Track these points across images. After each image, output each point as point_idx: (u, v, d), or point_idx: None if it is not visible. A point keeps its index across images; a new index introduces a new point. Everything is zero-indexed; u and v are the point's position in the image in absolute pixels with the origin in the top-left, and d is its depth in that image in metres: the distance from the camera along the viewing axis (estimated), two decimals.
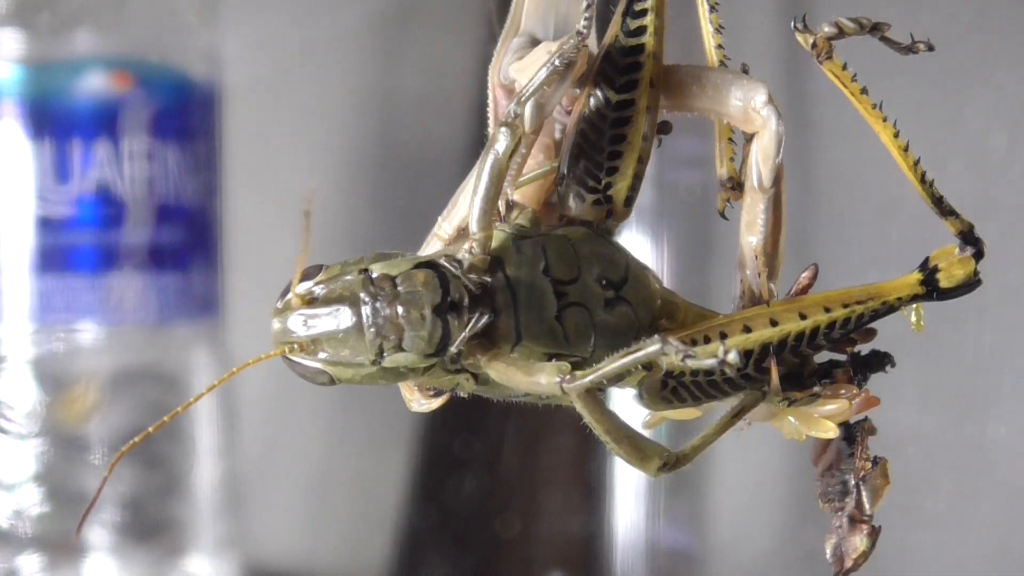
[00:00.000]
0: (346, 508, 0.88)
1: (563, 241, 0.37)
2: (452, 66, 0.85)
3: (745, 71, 0.40)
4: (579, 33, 0.36)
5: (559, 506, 0.84)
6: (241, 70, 0.79)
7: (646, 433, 0.37)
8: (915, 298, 0.38)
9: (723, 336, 0.37)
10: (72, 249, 0.70)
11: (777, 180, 0.39)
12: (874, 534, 0.38)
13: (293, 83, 0.85)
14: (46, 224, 0.70)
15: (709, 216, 0.43)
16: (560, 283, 0.36)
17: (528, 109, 0.35)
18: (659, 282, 0.39)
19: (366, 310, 0.34)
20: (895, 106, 0.38)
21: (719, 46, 0.42)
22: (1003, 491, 0.72)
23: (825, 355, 0.39)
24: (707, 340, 0.37)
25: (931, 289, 0.38)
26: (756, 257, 0.39)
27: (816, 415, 0.37)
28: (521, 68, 0.39)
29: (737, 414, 0.37)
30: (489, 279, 0.35)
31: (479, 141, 0.38)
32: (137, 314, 0.71)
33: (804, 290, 0.39)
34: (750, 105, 0.38)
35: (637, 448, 0.36)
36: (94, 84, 0.70)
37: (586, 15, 0.36)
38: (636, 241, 0.76)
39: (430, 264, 0.34)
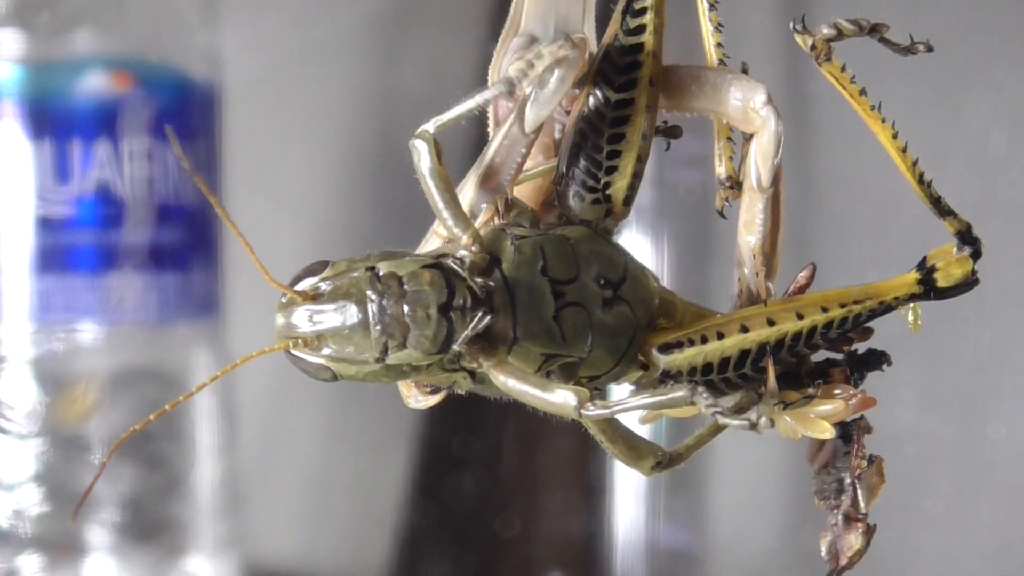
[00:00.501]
0: (346, 508, 0.88)
1: (562, 240, 0.37)
2: (452, 66, 0.85)
3: (744, 70, 0.40)
4: (509, 82, 0.36)
5: (559, 506, 0.84)
6: (241, 70, 0.79)
7: (643, 430, 0.37)
8: (912, 297, 0.38)
9: (720, 336, 0.37)
10: (72, 249, 0.70)
11: (776, 180, 0.39)
12: (869, 532, 0.38)
13: (293, 83, 0.85)
14: (46, 224, 0.70)
15: (708, 216, 0.43)
16: (558, 283, 0.36)
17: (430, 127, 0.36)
18: (657, 281, 0.39)
19: (372, 308, 0.34)
20: (894, 106, 0.38)
21: (718, 45, 0.42)
22: (1003, 491, 0.72)
23: (822, 354, 0.39)
24: (704, 340, 0.37)
25: (928, 289, 0.38)
26: (754, 256, 0.39)
27: (812, 415, 0.37)
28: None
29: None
30: (488, 277, 0.35)
31: (479, 141, 0.38)
32: (137, 314, 0.71)
33: (802, 290, 0.39)
34: (749, 105, 0.38)
35: (631, 447, 0.36)
36: (94, 84, 0.70)
37: (523, 68, 0.37)
38: (635, 240, 0.76)
39: (436, 265, 0.34)
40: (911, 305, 0.39)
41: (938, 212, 0.38)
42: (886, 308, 0.38)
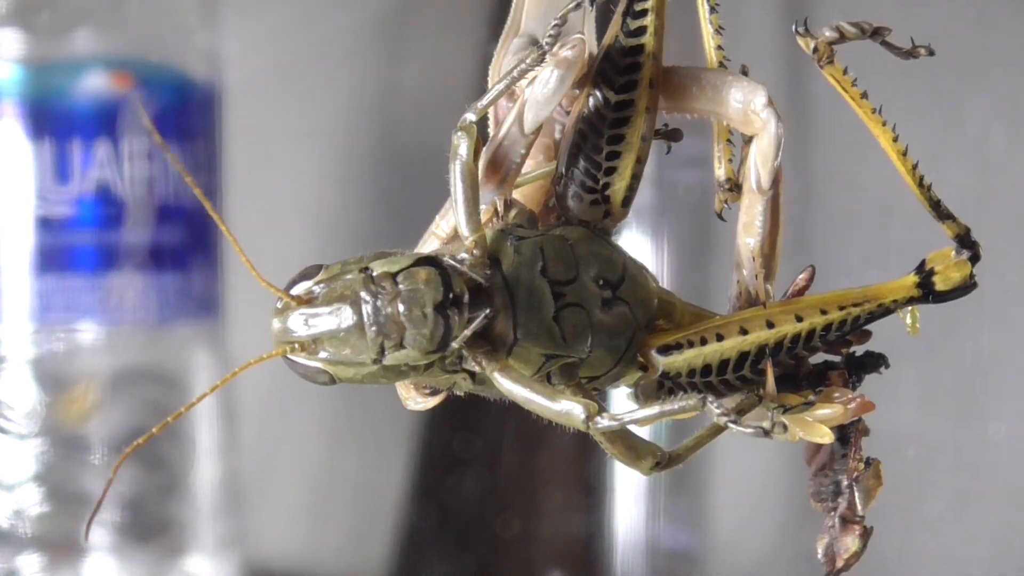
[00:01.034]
0: (346, 508, 0.88)
1: (561, 241, 0.37)
2: (452, 66, 0.85)
3: (745, 72, 0.40)
4: (541, 48, 0.36)
5: (559, 506, 0.84)
6: (241, 70, 0.79)
7: (642, 431, 0.37)
8: (911, 301, 0.38)
9: (719, 337, 0.37)
10: (72, 249, 0.70)
11: (775, 182, 0.39)
12: (866, 535, 0.38)
13: (293, 83, 0.85)
14: (46, 224, 0.70)
15: (708, 217, 0.42)
16: (558, 283, 0.36)
17: (471, 116, 0.36)
18: (656, 282, 0.39)
19: (367, 308, 0.34)
20: (894, 106, 0.38)
21: (719, 47, 0.41)
22: (1003, 492, 0.72)
23: (820, 356, 0.39)
24: (703, 341, 0.37)
25: (927, 292, 0.38)
26: (753, 258, 0.39)
27: (811, 419, 0.37)
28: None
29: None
30: (487, 276, 0.35)
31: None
32: (137, 314, 0.71)
33: (801, 292, 0.39)
34: (750, 107, 0.38)
35: (631, 447, 0.36)
36: (94, 84, 0.70)
37: (551, 32, 0.36)
38: (635, 241, 0.76)
39: (431, 261, 0.34)
40: (909, 308, 0.39)
41: (937, 216, 0.38)
42: (885, 311, 0.38)
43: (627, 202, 0.38)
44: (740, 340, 0.37)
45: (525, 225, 0.37)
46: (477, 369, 0.35)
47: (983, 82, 0.70)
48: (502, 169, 0.38)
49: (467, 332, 0.34)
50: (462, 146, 0.35)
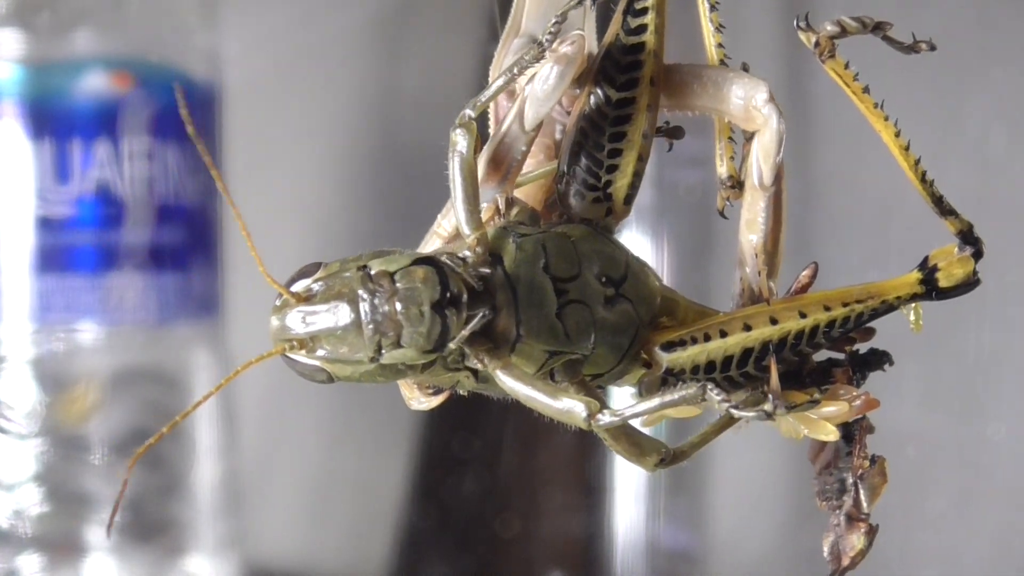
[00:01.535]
0: (346, 508, 0.88)
1: (563, 238, 0.37)
2: (452, 66, 0.85)
3: (746, 69, 0.40)
4: (540, 45, 0.36)
5: (559, 506, 0.84)
6: (241, 70, 0.79)
7: (646, 430, 0.37)
8: (914, 297, 0.38)
9: (723, 334, 0.37)
10: (72, 249, 0.70)
11: (778, 178, 0.39)
12: (871, 533, 0.38)
13: (293, 83, 0.85)
14: (46, 224, 0.70)
15: (709, 215, 0.43)
16: (560, 280, 0.36)
17: (470, 112, 0.36)
18: (659, 280, 0.39)
19: (364, 307, 0.34)
20: (895, 104, 0.38)
21: (720, 44, 0.42)
22: (1003, 491, 0.72)
23: (824, 353, 0.39)
24: (707, 338, 0.37)
25: (930, 288, 0.38)
26: (756, 255, 0.39)
27: (815, 417, 0.37)
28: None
29: None
30: (489, 274, 0.35)
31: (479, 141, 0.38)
32: (137, 314, 0.71)
33: (804, 289, 0.39)
34: (751, 103, 0.38)
35: (635, 443, 0.36)
36: (94, 84, 0.70)
37: (551, 29, 0.36)
38: (636, 239, 0.76)
39: (429, 260, 0.34)
40: (913, 305, 0.39)
41: (940, 212, 0.38)
42: (888, 308, 0.38)
43: (629, 200, 0.38)
44: (744, 336, 0.37)
45: (527, 222, 0.37)
46: (480, 367, 0.35)
47: (983, 82, 0.70)
48: (503, 166, 0.38)
49: (465, 332, 0.34)
50: (461, 142, 0.35)
